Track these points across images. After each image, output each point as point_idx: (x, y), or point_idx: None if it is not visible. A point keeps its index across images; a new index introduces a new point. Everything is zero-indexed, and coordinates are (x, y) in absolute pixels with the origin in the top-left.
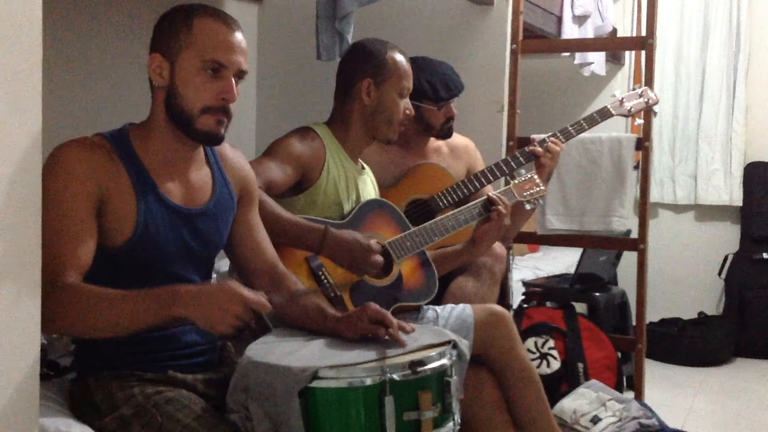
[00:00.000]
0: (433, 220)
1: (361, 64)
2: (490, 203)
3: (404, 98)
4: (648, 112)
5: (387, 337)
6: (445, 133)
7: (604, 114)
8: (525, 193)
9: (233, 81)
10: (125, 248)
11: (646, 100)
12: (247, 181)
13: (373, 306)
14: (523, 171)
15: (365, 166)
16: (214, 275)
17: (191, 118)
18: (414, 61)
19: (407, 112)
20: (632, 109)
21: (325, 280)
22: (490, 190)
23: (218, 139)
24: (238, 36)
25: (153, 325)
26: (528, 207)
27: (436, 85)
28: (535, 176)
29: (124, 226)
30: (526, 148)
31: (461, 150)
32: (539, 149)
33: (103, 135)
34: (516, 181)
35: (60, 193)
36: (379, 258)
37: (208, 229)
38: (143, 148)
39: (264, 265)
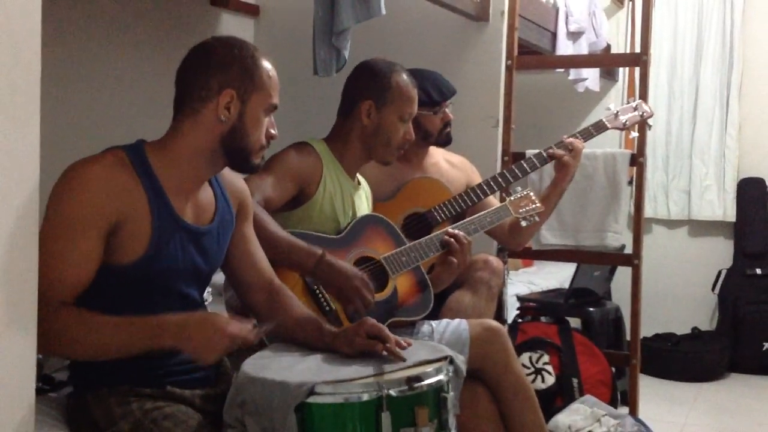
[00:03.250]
0: (428, 236)
1: (365, 84)
2: (446, 243)
3: (405, 123)
4: (643, 125)
5: (384, 352)
6: (445, 140)
7: (599, 127)
8: (521, 210)
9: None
10: (136, 266)
11: (640, 113)
12: (242, 196)
13: (370, 321)
14: (519, 188)
15: (361, 182)
16: (209, 289)
17: (251, 154)
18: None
19: (407, 136)
20: (627, 122)
21: (321, 295)
22: (491, 203)
23: (257, 170)
24: None
25: (142, 352)
26: (524, 224)
27: (428, 90)
28: (531, 193)
29: (137, 245)
30: (542, 152)
31: (459, 164)
32: (559, 151)
33: (122, 150)
34: (512, 198)
35: (73, 215)
36: (369, 296)
37: (212, 248)
38: (161, 166)
39: (260, 280)
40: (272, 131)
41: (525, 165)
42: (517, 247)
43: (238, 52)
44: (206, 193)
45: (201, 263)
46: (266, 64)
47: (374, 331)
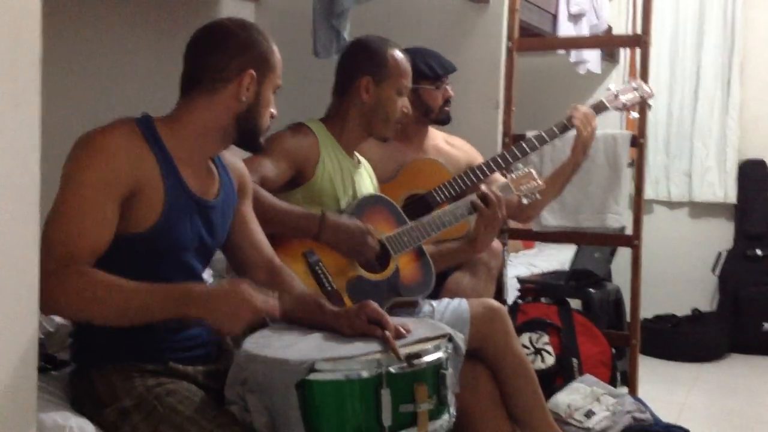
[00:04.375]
0: (430, 215)
1: (361, 61)
2: (483, 198)
3: (402, 96)
4: (643, 105)
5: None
6: (444, 117)
7: (599, 108)
8: (522, 188)
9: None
10: (147, 235)
11: (640, 93)
12: (242, 176)
13: (372, 305)
14: (520, 165)
15: (361, 160)
16: (210, 271)
17: (260, 134)
18: (406, 50)
19: (404, 110)
20: (627, 103)
21: (323, 275)
22: (496, 180)
23: (261, 150)
24: None
25: (162, 320)
26: (525, 201)
27: (431, 64)
28: (533, 171)
29: (150, 214)
30: (542, 133)
31: (460, 146)
32: (576, 122)
33: (133, 120)
34: (513, 176)
35: (94, 180)
36: (375, 241)
37: (218, 222)
38: (171, 139)
39: (260, 260)
40: (273, 111)
41: (525, 145)
42: (526, 219)
43: (256, 34)
44: (212, 170)
45: (206, 236)
46: (275, 46)
47: (375, 316)
